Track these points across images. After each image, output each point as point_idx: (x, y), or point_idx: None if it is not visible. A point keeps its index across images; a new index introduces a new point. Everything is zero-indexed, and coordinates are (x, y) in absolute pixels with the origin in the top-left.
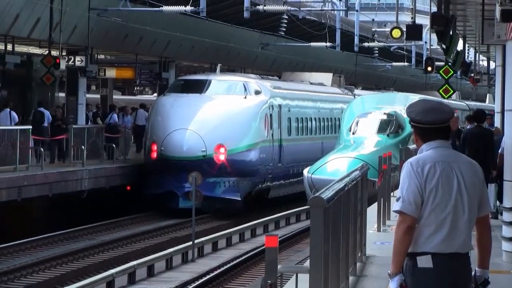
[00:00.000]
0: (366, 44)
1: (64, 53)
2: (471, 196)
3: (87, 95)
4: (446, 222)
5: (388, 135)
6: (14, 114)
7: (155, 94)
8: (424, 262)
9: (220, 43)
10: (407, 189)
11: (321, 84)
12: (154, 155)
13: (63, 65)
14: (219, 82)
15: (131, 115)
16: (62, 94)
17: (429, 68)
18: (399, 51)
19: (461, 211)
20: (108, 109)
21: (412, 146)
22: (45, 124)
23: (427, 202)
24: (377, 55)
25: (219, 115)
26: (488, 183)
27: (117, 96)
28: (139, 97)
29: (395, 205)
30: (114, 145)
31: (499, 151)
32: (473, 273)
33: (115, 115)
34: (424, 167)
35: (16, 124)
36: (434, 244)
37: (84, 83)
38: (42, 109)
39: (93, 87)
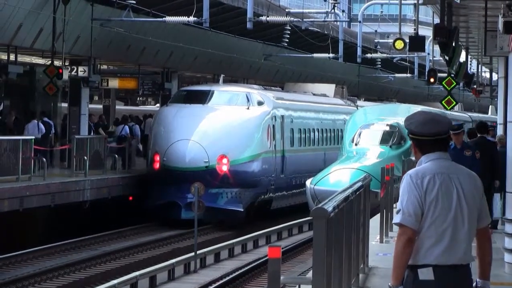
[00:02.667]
0: (368, 55)
1: (67, 63)
2: (470, 207)
3: (90, 106)
4: (447, 234)
5: (390, 147)
6: (41, 125)
7: (158, 105)
8: (426, 274)
9: (223, 54)
10: (407, 201)
11: (324, 95)
12: (157, 165)
13: (66, 75)
14: (222, 92)
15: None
16: (64, 105)
17: (432, 80)
18: (402, 62)
19: (461, 223)
20: (120, 121)
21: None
22: (50, 134)
23: (427, 214)
24: (380, 66)
25: (222, 126)
26: (494, 193)
27: (119, 107)
28: (141, 107)
29: (395, 218)
30: (116, 156)
31: None
32: (474, 284)
33: (127, 127)
34: (424, 179)
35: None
36: (435, 256)
37: (87, 93)
38: (46, 119)
39: (96, 98)
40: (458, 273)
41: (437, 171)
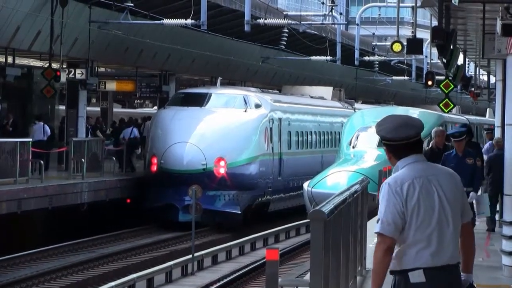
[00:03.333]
0: (366, 58)
1: (64, 66)
2: (453, 207)
3: (87, 108)
4: (433, 237)
5: None
6: (47, 127)
7: (155, 107)
8: (417, 277)
9: (220, 57)
10: (386, 210)
11: (321, 98)
12: (154, 168)
13: (63, 78)
14: (220, 95)
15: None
16: (62, 107)
17: (430, 82)
18: (400, 65)
19: (446, 224)
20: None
21: None
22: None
23: (411, 220)
24: (378, 69)
25: (219, 129)
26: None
27: (117, 109)
28: (139, 110)
29: (375, 227)
30: (114, 158)
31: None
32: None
33: (136, 130)
34: (403, 185)
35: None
36: (424, 259)
37: (85, 96)
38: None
39: (93, 100)
40: (448, 273)
41: (415, 175)
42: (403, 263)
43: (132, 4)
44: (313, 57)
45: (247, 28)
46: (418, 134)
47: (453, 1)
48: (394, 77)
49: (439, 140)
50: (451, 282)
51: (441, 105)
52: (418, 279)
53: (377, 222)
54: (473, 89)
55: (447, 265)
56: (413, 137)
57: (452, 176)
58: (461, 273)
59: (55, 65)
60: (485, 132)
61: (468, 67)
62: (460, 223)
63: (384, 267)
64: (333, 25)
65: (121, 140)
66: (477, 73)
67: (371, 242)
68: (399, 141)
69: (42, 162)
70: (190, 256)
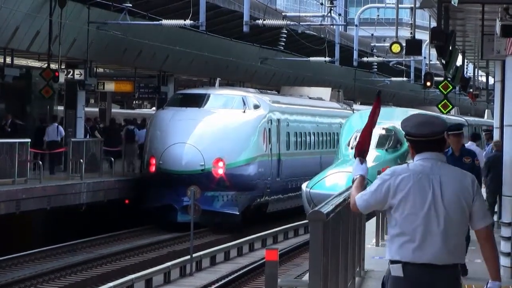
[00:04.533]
0: (365, 59)
1: (63, 66)
2: (450, 209)
3: (86, 109)
4: (417, 232)
5: (386, 150)
6: (61, 128)
7: (154, 108)
8: (396, 270)
9: (219, 57)
10: (372, 193)
11: (320, 99)
12: (153, 168)
13: (62, 78)
14: (218, 96)
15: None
16: (60, 108)
17: (428, 83)
18: (398, 66)
19: (435, 223)
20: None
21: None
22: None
23: (397, 210)
24: (376, 70)
25: (218, 129)
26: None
27: (115, 110)
28: (137, 110)
29: (357, 197)
30: (112, 159)
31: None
32: (487, 285)
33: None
34: (398, 177)
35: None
36: (405, 253)
37: (83, 97)
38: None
39: (92, 101)
40: (430, 273)
41: (416, 170)
42: (389, 253)
43: (130, 5)
44: (311, 58)
45: (246, 29)
46: (437, 133)
47: (452, 2)
48: (393, 78)
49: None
50: (432, 282)
51: (439, 106)
52: (397, 273)
53: (362, 195)
54: (471, 90)
55: (430, 264)
56: (433, 135)
57: (460, 179)
58: (489, 280)
59: (53, 66)
60: (483, 133)
61: (466, 68)
62: (461, 227)
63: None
64: (331, 26)
65: None
66: (476, 74)
67: (370, 243)
68: (419, 137)
69: (40, 162)
70: (189, 256)
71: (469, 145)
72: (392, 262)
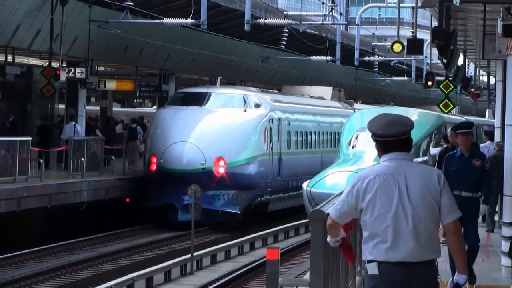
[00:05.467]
0: (366, 58)
1: (64, 65)
2: (418, 206)
3: (87, 107)
4: (388, 232)
5: None
6: (78, 127)
7: (155, 107)
8: (371, 269)
9: (220, 56)
10: (343, 200)
11: (321, 98)
12: (154, 167)
13: (63, 77)
14: (219, 95)
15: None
16: (61, 106)
17: (430, 83)
18: (399, 65)
19: (404, 222)
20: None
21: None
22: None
23: (366, 212)
24: (377, 69)
25: (219, 128)
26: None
27: (116, 108)
28: (138, 109)
29: (331, 208)
30: (113, 157)
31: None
32: (452, 278)
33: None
34: (365, 180)
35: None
36: (379, 253)
37: (84, 95)
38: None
39: (93, 99)
40: (404, 270)
41: (381, 171)
42: (364, 254)
43: (132, 3)
44: (313, 57)
45: (247, 28)
46: (405, 133)
47: (454, 2)
48: (394, 78)
49: (454, 139)
50: (407, 279)
51: (440, 105)
52: (372, 271)
53: (335, 206)
54: (473, 89)
55: (403, 262)
56: (400, 135)
57: (426, 175)
58: (456, 273)
59: (54, 64)
60: (484, 134)
61: (468, 67)
62: (429, 222)
63: (330, 231)
64: (333, 25)
65: None
66: (477, 73)
67: None
68: (386, 138)
69: (41, 160)
70: (189, 255)
71: (488, 144)
72: (368, 261)
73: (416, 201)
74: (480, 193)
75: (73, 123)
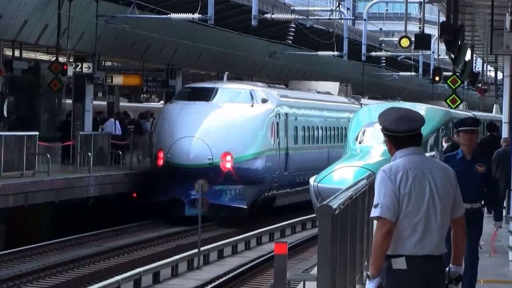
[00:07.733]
0: (373, 53)
1: (71, 60)
2: (443, 201)
3: (94, 102)
4: (419, 226)
5: None
6: (118, 124)
7: (162, 102)
8: (399, 264)
9: (227, 51)
10: (384, 195)
11: (328, 93)
12: (161, 162)
13: (70, 72)
14: (226, 90)
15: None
16: (69, 101)
17: (437, 78)
18: (407, 60)
19: (433, 217)
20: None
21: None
22: None
23: (401, 207)
24: (384, 64)
25: (226, 123)
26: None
27: (123, 103)
28: (145, 104)
29: (373, 212)
30: (120, 152)
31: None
32: (447, 269)
33: (148, 124)
34: (397, 174)
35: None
36: (407, 247)
37: (91, 90)
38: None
39: (100, 94)
40: (430, 263)
41: (410, 166)
42: (390, 248)
43: None
44: (320, 52)
45: (254, 23)
46: (418, 128)
47: None
48: (401, 73)
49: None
50: (432, 272)
51: (448, 100)
52: (400, 266)
53: (375, 207)
54: (480, 85)
55: (430, 255)
56: (413, 130)
57: (445, 171)
58: (451, 265)
59: (62, 59)
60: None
61: (475, 63)
62: (449, 217)
63: (384, 249)
64: (340, 21)
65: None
66: (485, 69)
67: None
68: (400, 133)
69: (48, 155)
70: (196, 250)
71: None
72: (392, 256)
73: (443, 196)
74: (482, 202)
75: (113, 119)
